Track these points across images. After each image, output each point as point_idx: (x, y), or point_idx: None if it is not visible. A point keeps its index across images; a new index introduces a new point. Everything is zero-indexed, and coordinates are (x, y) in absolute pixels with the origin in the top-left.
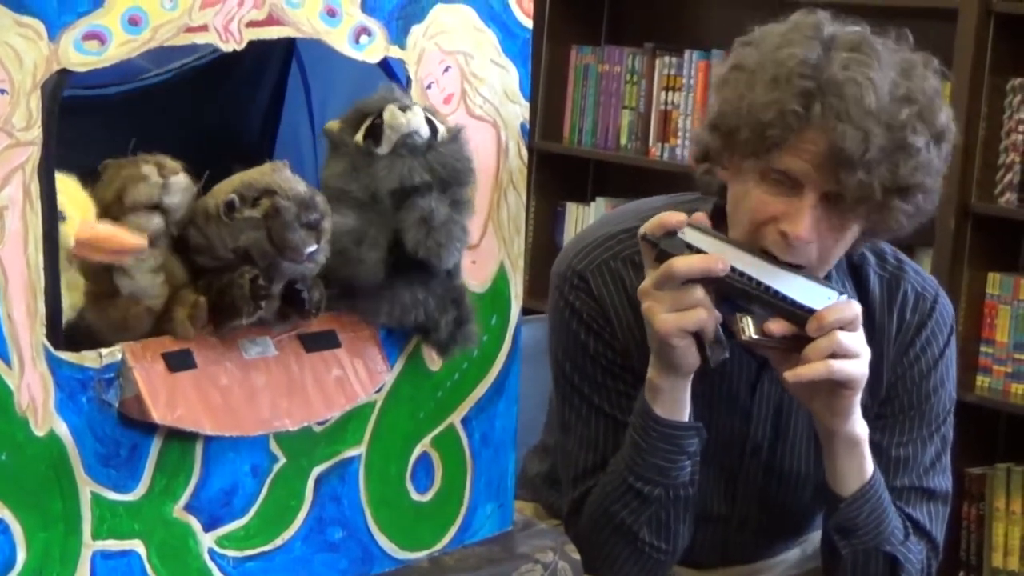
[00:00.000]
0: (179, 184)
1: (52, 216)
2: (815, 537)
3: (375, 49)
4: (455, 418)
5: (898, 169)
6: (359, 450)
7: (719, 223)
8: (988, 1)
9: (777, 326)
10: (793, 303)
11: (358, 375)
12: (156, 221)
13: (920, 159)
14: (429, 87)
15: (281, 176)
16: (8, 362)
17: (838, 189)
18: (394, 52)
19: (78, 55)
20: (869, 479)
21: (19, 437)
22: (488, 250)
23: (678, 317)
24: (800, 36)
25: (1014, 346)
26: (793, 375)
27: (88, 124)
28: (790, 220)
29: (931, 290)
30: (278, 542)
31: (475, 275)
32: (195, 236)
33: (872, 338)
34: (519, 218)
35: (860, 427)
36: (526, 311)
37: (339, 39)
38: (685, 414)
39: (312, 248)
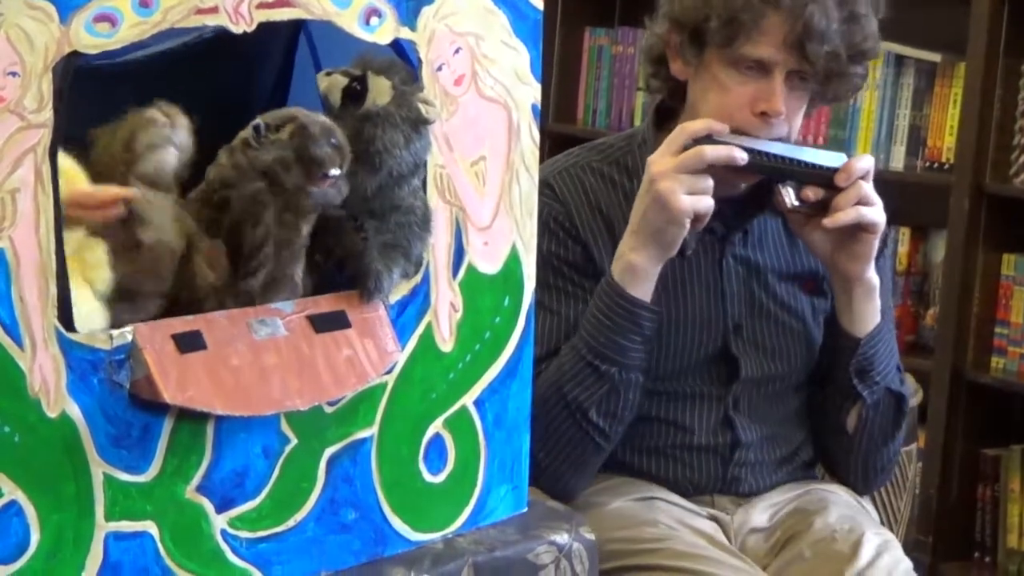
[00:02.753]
0: (183, 122)
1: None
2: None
3: (385, 30)
4: (468, 399)
5: (854, 38)
6: (371, 431)
7: (666, 120)
8: None
9: (812, 191)
10: (818, 166)
11: (368, 355)
12: (171, 154)
13: (869, 26)
14: (439, 69)
15: (302, 110)
16: (20, 344)
17: (804, 66)
18: (404, 34)
19: (89, 37)
20: (880, 320)
21: (32, 419)
22: (501, 231)
23: (695, 199)
24: None
25: None
26: (832, 221)
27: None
28: (765, 100)
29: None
30: (290, 523)
31: (487, 257)
32: (223, 170)
33: None
34: (532, 199)
35: (873, 272)
36: None
37: (349, 20)
38: (650, 298)
39: (336, 171)
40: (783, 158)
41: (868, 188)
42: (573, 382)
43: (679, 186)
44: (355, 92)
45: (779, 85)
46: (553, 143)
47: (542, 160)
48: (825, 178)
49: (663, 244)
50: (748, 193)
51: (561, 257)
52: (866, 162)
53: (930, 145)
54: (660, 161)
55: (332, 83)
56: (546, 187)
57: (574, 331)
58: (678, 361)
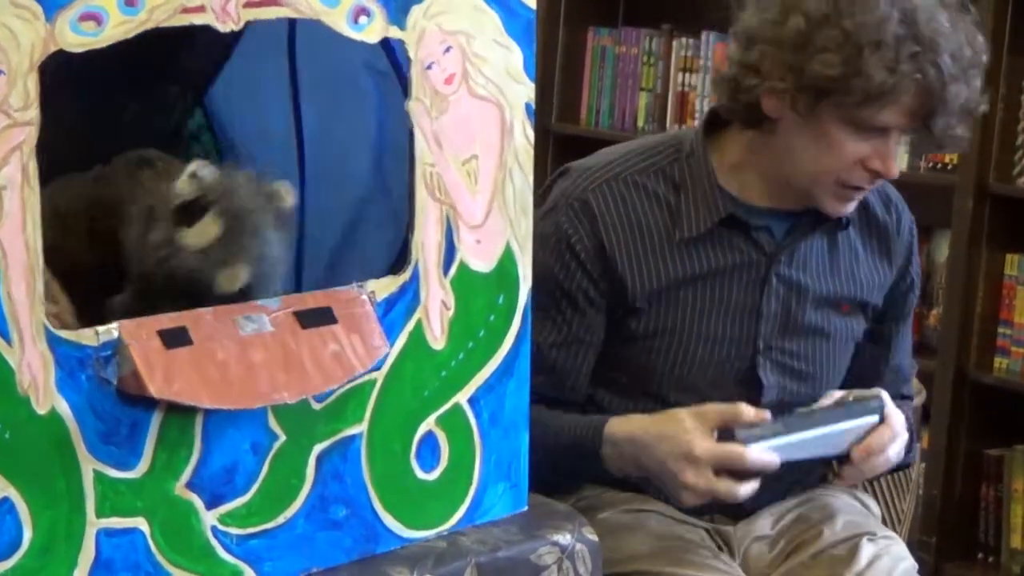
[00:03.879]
0: None
1: None
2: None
3: (374, 29)
4: (461, 397)
5: (971, 105)
6: (360, 428)
7: (717, 128)
8: None
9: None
10: (842, 454)
11: (356, 350)
12: None
13: (979, 87)
14: (430, 67)
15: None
16: (9, 341)
17: (925, 134)
18: (394, 32)
19: (75, 36)
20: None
21: (22, 416)
22: (494, 229)
23: (710, 492)
24: None
25: None
26: (841, 482)
27: None
28: (881, 161)
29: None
30: (280, 520)
31: (480, 255)
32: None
33: (880, 241)
34: (525, 197)
35: (900, 430)
36: None
37: (338, 19)
38: None
39: None
40: (814, 446)
41: (880, 462)
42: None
43: (707, 485)
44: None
45: (894, 147)
46: (556, 143)
47: (538, 159)
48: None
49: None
50: (802, 210)
51: (565, 288)
52: (885, 438)
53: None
54: (700, 443)
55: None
56: (584, 207)
57: (582, 348)
58: (701, 375)
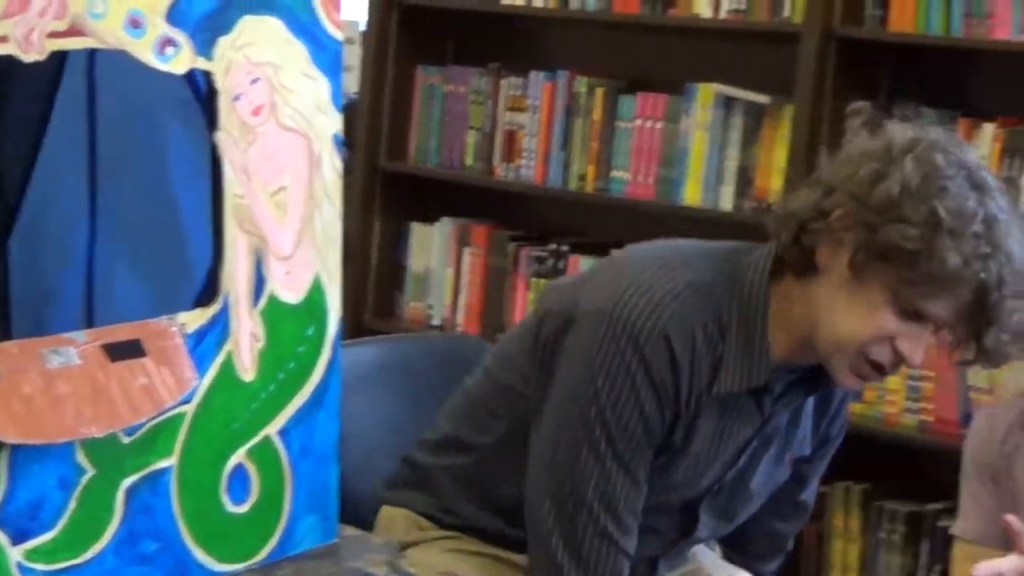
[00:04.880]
0: None
1: None
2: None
3: (181, 60)
4: (271, 429)
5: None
6: (170, 461)
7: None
8: (830, 25)
9: None
10: None
11: (165, 382)
12: None
13: None
14: (237, 99)
15: None
16: None
17: (966, 336)
18: (201, 64)
19: None
20: None
21: None
22: (303, 261)
23: None
24: (958, 174)
25: None
26: None
27: None
28: (912, 346)
29: None
30: (88, 555)
31: (290, 286)
32: None
33: (824, 397)
34: (335, 229)
35: None
36: (370, 331)
37: (144, 50)
38: None
39: None
40: None
41: None
42: None
43: None
44: None
45: (928, 337)
46: (385, 181)
47: (368, 196)
48: None
49: None
50: (804, 371)
51: (652, 414)
52: None
53: (758, 185)
54: None
55: None
56: (667, 344)
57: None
58: (657, 499)
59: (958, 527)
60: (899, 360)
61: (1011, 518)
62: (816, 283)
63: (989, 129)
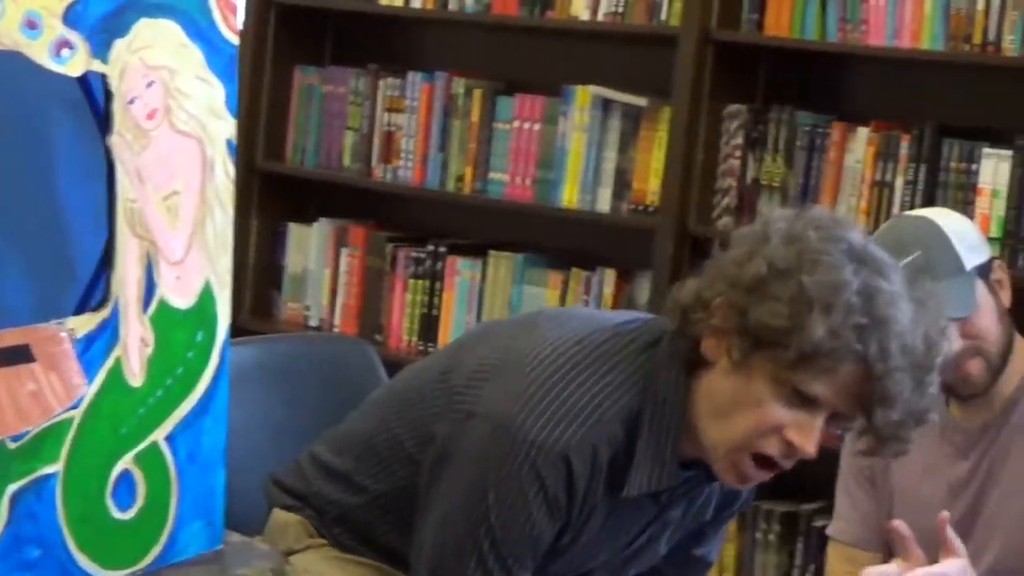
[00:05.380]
0: None
1: None
2: None
3: (76, 63)
4: (158, 435)
5: (918, 407)
6: (56, 467)
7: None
8: (707, 29)
9: None
10: None
11: (54, 389)
12: None
13: (934, 397)
14: (132, 102)
15: None
16: None
17: (857, 416)
18: (96, 66)
19: None
20: None
21: None
22: (194, 266)
23: None
24: (839, 252)
25: None
26: None
27: None
28: (802, 434)
29: None
30: None
31: (180, 291)
32: None
33: None
34: (226, 235)
35: None
36: (247, 332)
37: (39, 51)
38: None
39: None
40: None
41: None
42: None
43: None
44: None
45: (819, 424)
46: (262, 181)
47: (244, 197)
48: None
49: None
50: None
51: (543, 531)
52: None
53: (635, 188)
54: None
55: None
56: (564, 464)
57: None
58: None
59: (834, 528)
60: (791, 452)
61: (897, 523)
62: (706, 376)
63: (863, 133)
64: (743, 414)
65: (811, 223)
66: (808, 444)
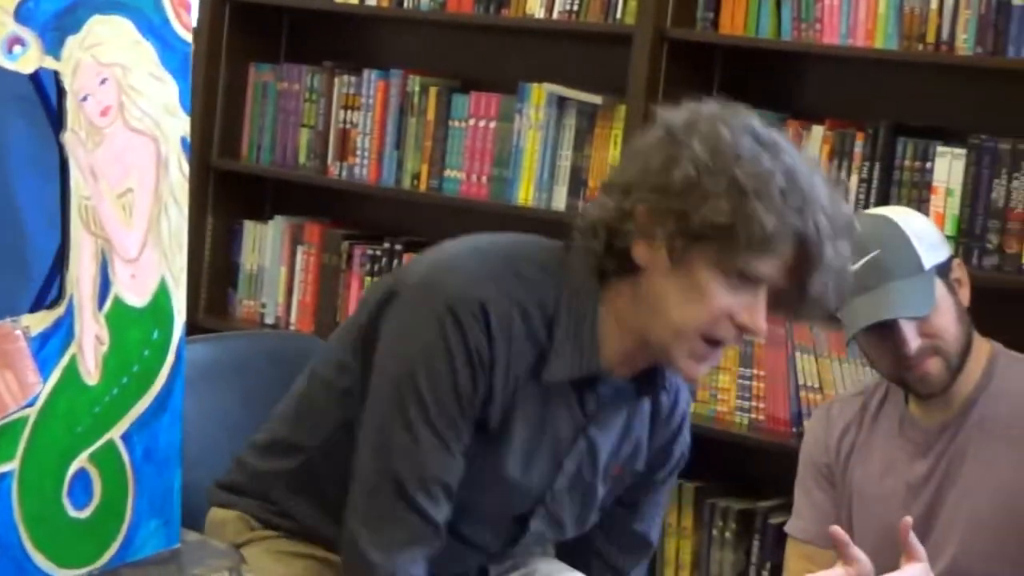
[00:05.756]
0: None
1: None
2: None
3: (29, 59)
4: (115, 433)
5: (843, 270)
6: (11, 466)
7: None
8: (662, 27)
9: None
10: None
11: (9, 387)
12: None
13: (850, 257)
14: (85, 99)
15: None
16: None
17: (794, 288)
18: (49, 63)
19: None
20: None
21: None
22: (149, 264)
23: None
24: (745, 140)
25: None
26: None
27: None
28: (751, 315)
29: None
30: None
31: (135, 289)
32: None
33: (656, 413)
34: (181, 233)
35: None
36: (203, 329)
37: None
38: None
39: None
40: None
41: None
42: None
43: None
44: None
45: (763, 301)
46: (217, 179)
47: (199, 194)
48: None
49: None
50: (631, 378)
51: (464, 387)
52: None
53: (591, 185)
54: None
55: None
56: (482, 312)
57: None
58: (488, 507)
59: (792, 526)
60: (741, 333)
61: (834, 528)
62: (641, 281)
63: (818, 131)
64: (691, 307)
65: (716, 119)
66: (758, 322)
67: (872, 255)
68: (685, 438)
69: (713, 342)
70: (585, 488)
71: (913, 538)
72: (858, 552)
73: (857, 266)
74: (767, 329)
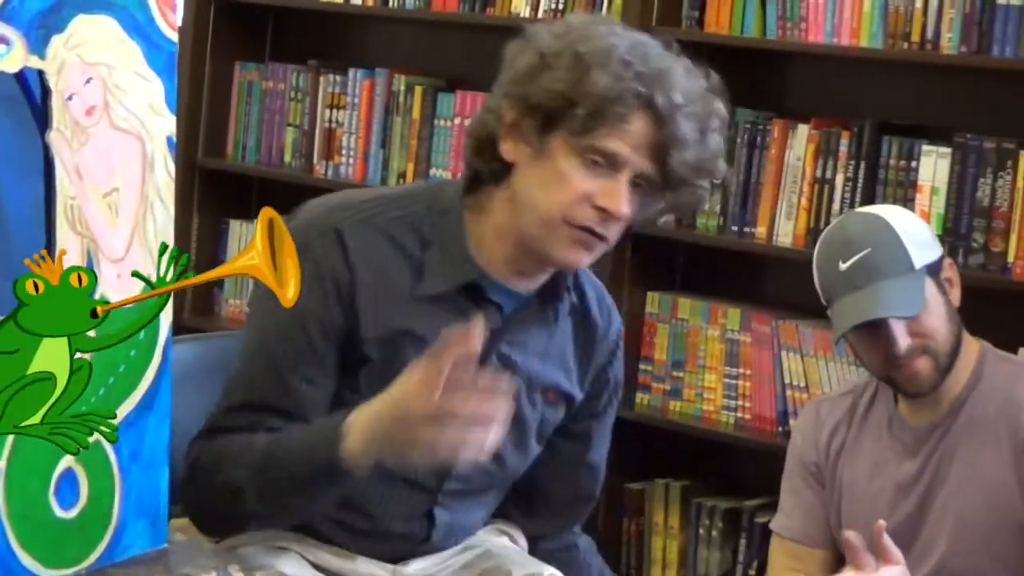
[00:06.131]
0: None
1: None
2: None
3: (14, 59)
4: None
5: (707, 153)
6: None
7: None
8: (648, 26)
9: None
10: None
11: None
12: None
13: (720, 145)
14: (70, 99)
15: None
16: None
17: (655, 171)
18: (34, 62)
19: None
20: None
21: None
22: (135, 264)
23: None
24: (606, 29)
25: (672, 364)
26: None
27: None
28: (610, 197)
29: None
30: None
31: (121, 289)
32: None
33: (588, 336)
34: (167, 233)
35: None
36: (189, 329)
37: None
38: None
39: None
40: None
41: None
42: (252, 476)
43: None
44: None
45: (625, 185)
46: (203, 178)
47: (185, 193)
48: None
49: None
50: (533, 291)
51: (323, 320)
52: None
53: None
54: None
55: None
56: (337, 237)
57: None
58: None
59: (778, 524)
60: (606, 218)
61: (850, 534)
62: (514, 182)
63: (804, 130)
64: (552, 192)
65: (575, 17)
66: (618, 204)
67: (862, 254)
68: (620, 360)
69: (585, 229)
70: (514, 412)
71: (888, 541)
72: (869, 557)
73: (847, 265)
74: (629, 213)
